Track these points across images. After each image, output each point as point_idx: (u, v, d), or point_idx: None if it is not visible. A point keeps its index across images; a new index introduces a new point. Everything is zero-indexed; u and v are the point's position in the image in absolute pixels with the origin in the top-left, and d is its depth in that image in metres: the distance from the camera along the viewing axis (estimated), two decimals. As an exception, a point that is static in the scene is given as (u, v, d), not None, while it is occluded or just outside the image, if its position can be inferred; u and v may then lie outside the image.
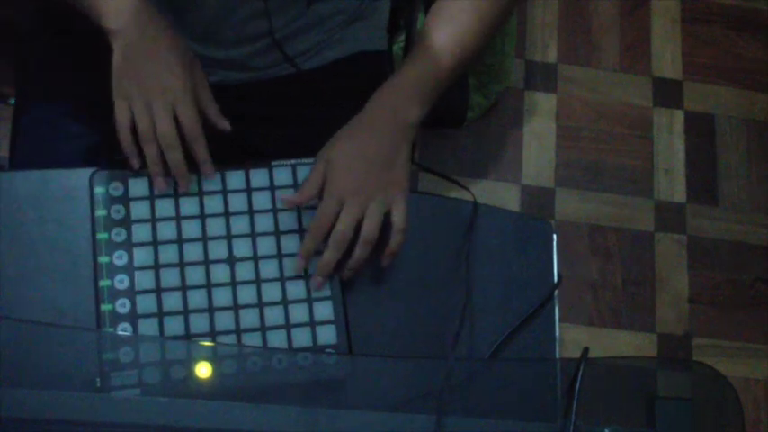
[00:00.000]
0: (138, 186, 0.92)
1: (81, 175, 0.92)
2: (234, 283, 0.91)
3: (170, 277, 0.90)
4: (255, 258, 0.92)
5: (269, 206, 0.94)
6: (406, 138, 0.92)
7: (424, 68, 0.94)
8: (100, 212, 0.91)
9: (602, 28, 2.08)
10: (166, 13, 0.98)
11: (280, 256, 0.92)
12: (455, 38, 0.96)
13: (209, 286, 0.90)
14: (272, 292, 0.91)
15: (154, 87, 0.86)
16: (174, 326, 0.88)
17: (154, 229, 0.91)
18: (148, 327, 0.88)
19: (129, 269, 0.89)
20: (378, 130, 0.91)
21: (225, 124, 0.92)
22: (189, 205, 0.93)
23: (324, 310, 0.91)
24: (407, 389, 0.89)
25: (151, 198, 0.92)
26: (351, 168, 0.89)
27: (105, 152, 0.90)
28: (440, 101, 1.01)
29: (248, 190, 0.94)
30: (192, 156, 0.89)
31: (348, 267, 0.90)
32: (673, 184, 1.97)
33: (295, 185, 0.95)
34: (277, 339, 0.90)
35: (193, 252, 0.91)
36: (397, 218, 0.89)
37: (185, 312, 0.89)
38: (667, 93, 2.04)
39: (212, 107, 0.91)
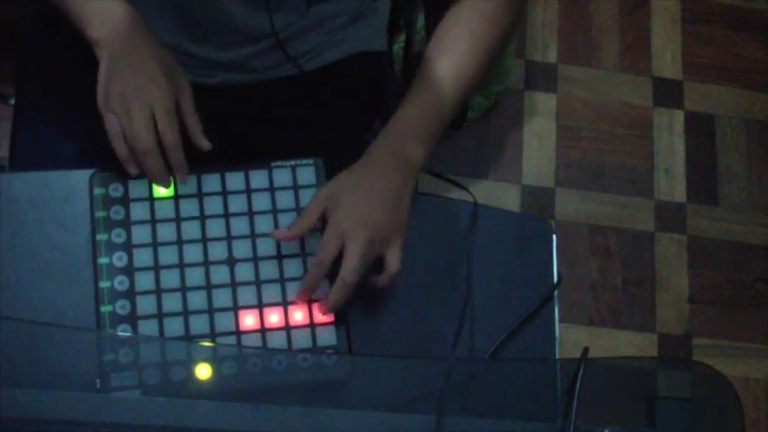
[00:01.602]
0: (137, 187, 0.92)
1: (81, 176, 0.92)
2: (234, 285, 0.91)
3: (170, 278, 0.90)
4: (255, 259, 0.92)
5: (269, 207, 0.94)
6: (411, 178, 0.92)
7: (425, 107, 0.94)
8: (100, 213, 0.91)
9: (602, 28, 2.08)
10: (167, 13, 0.98)
11: (279, 257, 0.92)
12: (455, 71, 0.95)
13: (208, 287, 0.90)
14: (271, 293, 0.91)
15: (134, 96, 0.87)
16: (173, 327, 0.88)
17: (154, 230, 0.91)
18: (148, 328, 0.88)
19: (129, 270, 0.89)
20: (382, 170, 0.90)
21: (204, 143, 0.91)
22: (189, 206, 0.93)
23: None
24: (407, 389, 0.89)
25: (151, 199, 0.92)
26: (355, 206, 0.88)
27: (105, 153, 0.90)
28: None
29: (248, 191, 0.94)
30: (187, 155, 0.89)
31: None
32: (673, 184, 1.97)
33: (295, 187, 0.95)
34: (277, 341, 0.90)
35: (193, 253, 0.91)
36: (392, 260, 0.89)
37: (185, 314, 0.89)
38: (667, 93, 2.05)
39: (194, 123, 0.91)
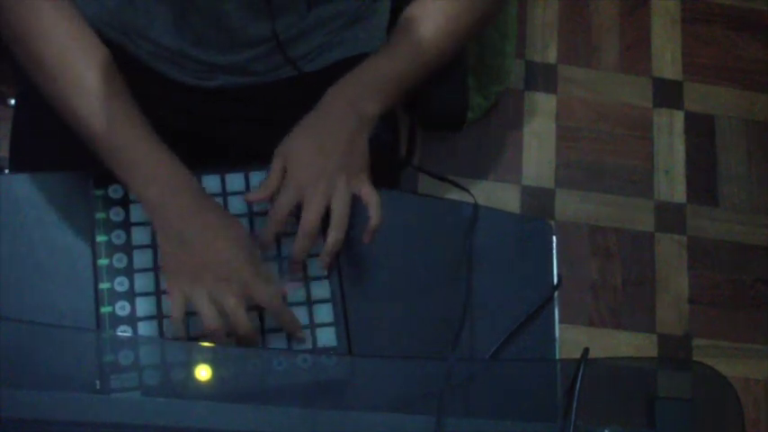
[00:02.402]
0: (137, 188, 0.92)
1: (81, 178, 0.92)
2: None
3: (170, 279, 0.90)
4: (255, 260, 0.92)
5: (268, 208, 0.94)
6: (363, 129, 0.92)
7: (388, 66, 0.94)
8: (99, 215, 0.91)
9: (602, 28, 2.08)
10: (167, 17, 0.98)
11: (279, 258, 0.92)
12: (428, 39, 0.96)
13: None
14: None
15: (217, 277, 0.83)
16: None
17: (153, 231, 0.91)
18: (148, 329, 0.88)
19: (129, 271, 0.89)
20: (334, 121, 0.91)
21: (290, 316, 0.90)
22: (189, 207, 0.92)
23: (324, 312, 0.91)
24: (408, 390, 0.89)
25: (151, 200, 0.92)
26: (309, 160, 0.89)
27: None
28: (439, 103, 1.01)
29: (248, 192, 0.94)
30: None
31: (325, 253, 0.88)
32: (673, 185, 1.97)
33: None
34: (277, 342, 0.90)
35: (193, 254, 0.91)
36: (368, 195, 0.89)
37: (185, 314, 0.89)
38: (667, 93, 2.04)
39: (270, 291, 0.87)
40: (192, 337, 0.87)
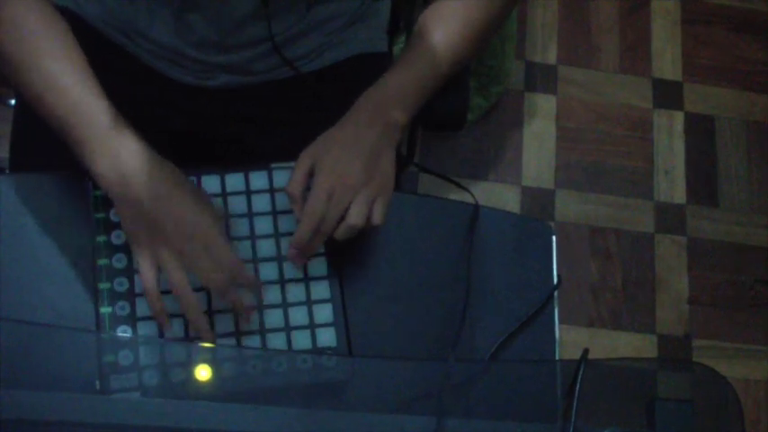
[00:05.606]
0: (137, 188, 0.92)
1: (80, 178, 0.92)
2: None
3: (169, 279, 0.90)
4: (255, 261, 0.92)
5: (268, 208, 0.94)
6: (392, 138, 0.92)
7: (412, 74, 0.94)
8: (99, 215, 0.91)
9: (602, 29, 2.08)
10: (166, 18, 0.98)
11: (279, 258, 0.92)
12: (446, 44, 0.96)
13: (208, 288, 0.90)
14: (271, 294, 0.91)
15: (181, 234, 0.83)
16: (173, 328, 0.88)
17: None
18: (148, 329, 0.88)
19: (129, 272, 0.89)
20: (364, 129, 0.91)
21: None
22: (188, 207, 0.92)
23: (324, 312, 0.91)
24: (408, 390, 0.89)
25: (151, 200, 0.92)
26: (339, 164, 0.88)
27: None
28: (439, 104, 1.01)
29: (248, 192, 0.94)
30: None
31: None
32: (673, 186, 1.97)
33: (294, 188, 0.95)
34: (277, 342, 0.90)
35: (193, 254, 0.91)
36: (377, 214, 0.89)
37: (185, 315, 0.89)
38: (667, 94, 2.05)
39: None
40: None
